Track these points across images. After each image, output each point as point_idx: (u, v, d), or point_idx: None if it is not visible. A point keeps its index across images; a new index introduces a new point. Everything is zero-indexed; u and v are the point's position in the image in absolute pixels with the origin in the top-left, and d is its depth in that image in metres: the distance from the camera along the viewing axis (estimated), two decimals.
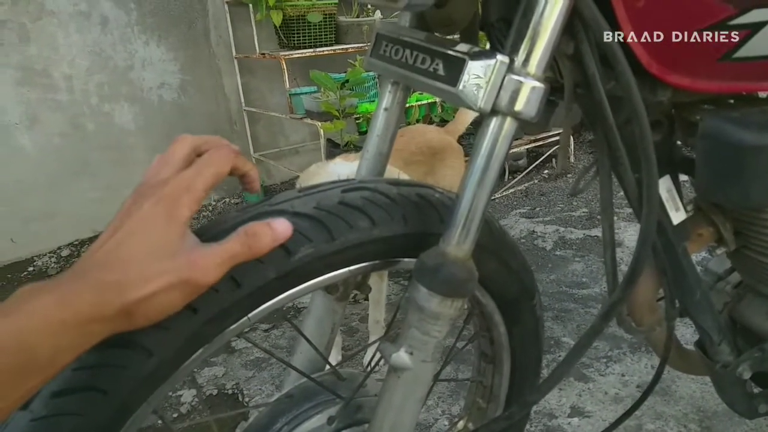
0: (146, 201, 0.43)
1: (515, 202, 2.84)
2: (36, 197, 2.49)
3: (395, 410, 0.58)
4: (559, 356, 1.63)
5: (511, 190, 2.96)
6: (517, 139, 2.88)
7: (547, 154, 3.20)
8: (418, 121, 2.69)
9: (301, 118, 2.62)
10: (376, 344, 0.61)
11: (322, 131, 2.46)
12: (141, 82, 2.69)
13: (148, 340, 0.45)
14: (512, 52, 0.51)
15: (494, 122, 0.52)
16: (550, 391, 0.76)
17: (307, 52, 2.67)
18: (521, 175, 3.09)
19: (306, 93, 2.60)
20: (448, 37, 0.63)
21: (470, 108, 0.51)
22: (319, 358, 0.74)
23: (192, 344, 0.48)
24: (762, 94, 0.75)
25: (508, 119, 0.52)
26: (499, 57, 0.50)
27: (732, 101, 0.73)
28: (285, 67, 2.60)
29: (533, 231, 2.47)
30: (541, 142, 3.05)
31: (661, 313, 0.82)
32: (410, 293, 0.56)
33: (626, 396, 1.46)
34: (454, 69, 0.51)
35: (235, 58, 2.92)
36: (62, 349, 0.37)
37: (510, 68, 0.50)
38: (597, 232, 2.38)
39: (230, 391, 1.62)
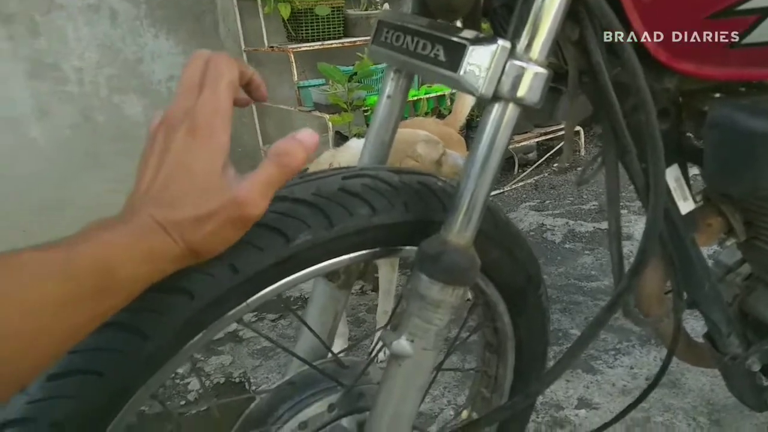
0: (179, 132, 0.42)
1: (525, 195, 2.83)
2: (47, 189, 2.51)
3: (396, 398, 0.57)
4: (566, 347, 1.62)
5: (521, 184, 2.94)
6: (526, 132, 2.86)
7: (558, 147, 3.17)
8: (426, 114, 2.68)
9: (310, 111, 2.62)
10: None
11: (330, 124, 2.46)
12: (151, 75, 2.70)
13: (143, 323, 0.45)
14: (514, 38, 0.50)
15: (496, 109, 0.51)
16: (553, 382, 0.75)
17: (316, 45, 2.67)
18: (531, 168, 3.07)
19: (314, 86, 2.60)
20: (451, 23, 0.63)
21: (472, 94, 0.50)
22: (321, 347, 0.74)
23: (189, 329, 0.48)
24: None
25: (511, 105, 0.51)
26: (501, 42, 0.49)
27: (743, 89, 0.72)
28: (293, 60, 2.60)
29: (542, 224, 2.46)
30: (551, 135, 3.03)
31: (670, 305, 0.81)
32: (411, 281, 0.56)
33: (634, 388, 1.45)
34: (455, 55, 0.50)
35: (244, 51, 2.92)
36: (139, 277, 0.39)
37: (512, 54, 0.50)
38: (607, 224, 2.36)
39: (237, 380, 1.63)
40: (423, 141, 1.51)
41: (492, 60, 0.49)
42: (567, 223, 2.45)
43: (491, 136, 0.52)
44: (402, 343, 0.56)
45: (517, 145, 2.92)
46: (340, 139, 2.58)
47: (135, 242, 0.38)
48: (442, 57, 0.52)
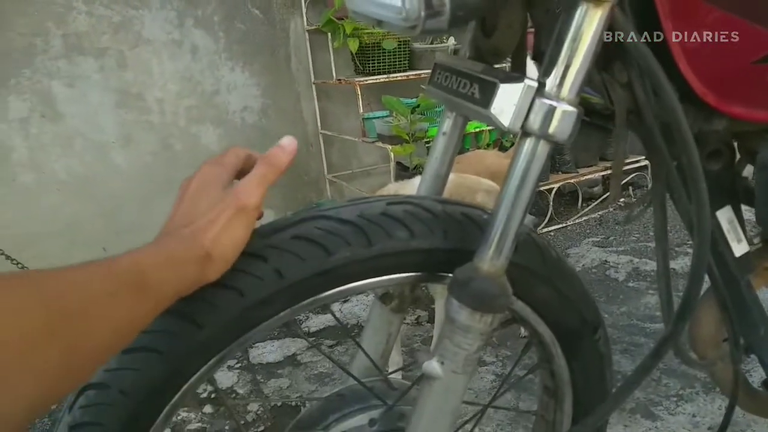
0: (228, 195, 0.52)
1: (588, 230, 2.77)
2: (128, 211, 2.68)
3: (428, 419, 0.59)
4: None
5: (585, 218, 2.89)
6: (590, 166, 2.82)
7: (624, 181, 3.10)
8: (488, 145, 2.70)
9: (373, 142, 2.69)
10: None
11: (392, 154, 2.52)
12: (226, 106, 2.86)
13: (198, 313, 0.51)
14: (544, 77, 0.53)
15: (527, 144, 0.53)
16: (594, 427, 0.74)
17: (381, 78, 2.74)
18: (596, 203, 3.01)
19: (378, 117, 2.67)
20: (499, 65, 0.66)
21: (500, 128, 0.53)
22: (374, 367, 0.77)
23: (239, 324, 0.54)
24: None
25: (541, 142, 0.53)
26: (527, 81, 0.52)
27: None
28: (359, 92, 2.68)
29: (606, 261, 2.40)
30: None
31: (726, 349, 0.79)
32: (446, 306, 0.58)
33: None
34: (488, 92, 0.54)
35: (314, 83, 3.04)
36: (166, 280, 0.47)
37: (540, 92, 0.52)
38: (674, 264, 2.28)
39: (294, 404, 1.67)
40: (484, 190, 1.53)
41: (519, 97, 0.52)
42: (631, 260, 2.38)
43: (523, 169, 0.54)
44: (433, 364, 0.58)
45: (581, 179, 2.88)
46: (401, 169, 2.64)
47: (159, 250, 0.48)
48: (477, 95, 0.56)
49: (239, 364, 1.88)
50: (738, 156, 0.73)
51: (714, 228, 0.70)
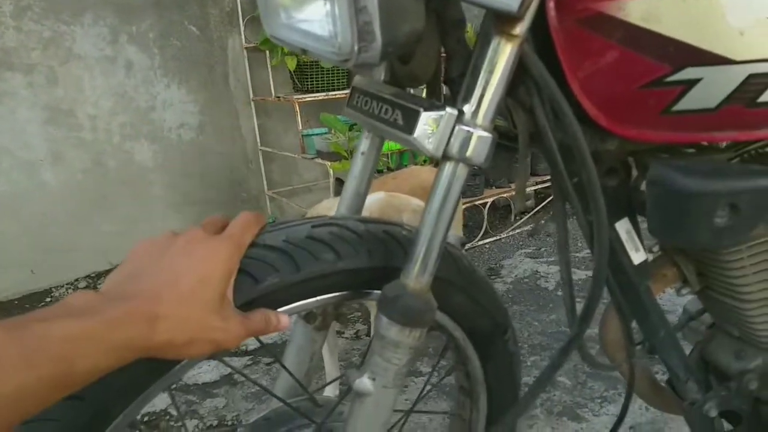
0: (199, 244, 0.49)
1: (521, 242, 2.88)
2: (57, 230, 2.59)
3: None
4: (554, 394, 1.64)
5: (518, 231, 2.99)
6: None
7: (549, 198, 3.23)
8: (425, 162, 2.77)
9: (312, 158, 2.72)
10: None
11: (331, 170, 2.55)
12: (162, 123, 2.82)
13: None
14: (462, 105, 0.57)
15: (447, 167, 0.58)
16: (512, 423, 0.79)
17: (320, 96, 2.78)
18: (528, 216, 3.13)
19: (317, 134, 2.70)
20: (414, 90, 0.70)
21: (424, 153, 0.57)
22: (298, 386, 0.79)
23: (166, 360, 0.52)
24: (722, 144, 0.80)
25: (460, 165, 0.57)
26: (448, 110, 0.56)
27: (691, 150, 0.78)
28: (298, 110, 2.71)
29: (537, 271, 2.50)
30: (548, 184, 3.10)
31: (634, 351, 0.86)
32: (375, 323, 0.61)
33: None
34: (411, 119, 0.57)
35: (252, 100, 3.05)
36: (98, 368, 0.39)
37: (459, 119, 0.56)
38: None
39: (230, 422, 1.66)
40: (411, 210, 1.56)
41: (440, 125, 0.56)
42: None
43: (444, 190, 0.58)
44: (364, 381, 0.61)
45: (514, 193, 2.99)
46: (340, 185, 2.67)
47: (108, 334, 0.39)
48: (400, 121, 0.59)
49: (174, 386, 1.85)
50: (636, 172, 0.80)
51: (613, 239, 0.76)
